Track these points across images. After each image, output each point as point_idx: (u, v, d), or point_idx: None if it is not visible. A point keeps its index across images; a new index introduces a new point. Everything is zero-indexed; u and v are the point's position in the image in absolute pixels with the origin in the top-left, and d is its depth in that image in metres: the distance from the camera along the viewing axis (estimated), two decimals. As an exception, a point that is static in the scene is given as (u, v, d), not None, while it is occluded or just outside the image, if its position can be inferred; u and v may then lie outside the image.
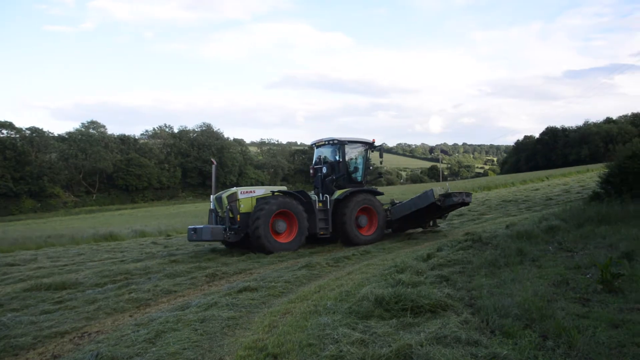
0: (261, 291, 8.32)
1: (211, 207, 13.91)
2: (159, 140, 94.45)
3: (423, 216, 16.13)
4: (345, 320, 5.96)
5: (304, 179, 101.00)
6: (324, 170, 15.03)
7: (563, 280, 6.78)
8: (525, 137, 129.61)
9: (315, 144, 15.74)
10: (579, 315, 5.30)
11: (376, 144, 15.72)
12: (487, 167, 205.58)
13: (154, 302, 8.29)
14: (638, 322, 4.91)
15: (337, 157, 15.18)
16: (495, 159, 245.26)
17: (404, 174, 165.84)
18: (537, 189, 35.05)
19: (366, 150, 15.75)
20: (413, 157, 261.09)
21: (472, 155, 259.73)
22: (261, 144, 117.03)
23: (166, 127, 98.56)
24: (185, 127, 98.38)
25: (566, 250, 9.08)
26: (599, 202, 14.46)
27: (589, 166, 63.56)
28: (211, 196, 14.08)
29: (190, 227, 13.63)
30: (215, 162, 14.38)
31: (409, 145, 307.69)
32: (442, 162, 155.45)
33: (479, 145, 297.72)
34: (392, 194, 40.61)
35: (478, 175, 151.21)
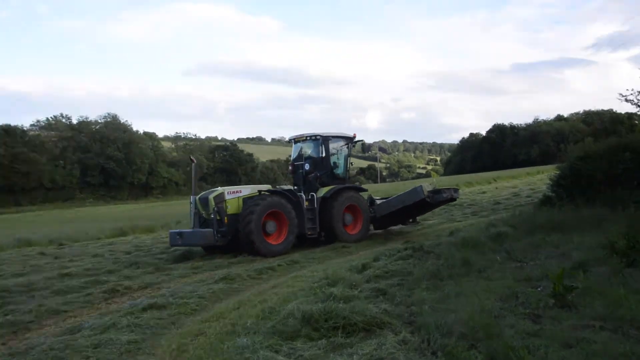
0: (170, 309, 8.08)
1: (192, 208, 14.51)
2: (53, 133, 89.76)
3: (409, 213, 17.58)
4: (268, 342, 5.82)
5: (226, 179, 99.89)
6: (307, 166, 16.15)
7: (512, 294, 6.89)
8: (471, 134, 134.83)
9: (294, 139, 16.96)
10: (529, 334, 5.36)
11: (355, 138, 17.04)
12: (429, 167, 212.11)
13: (36, 326, 7.84)
14: (593, 341, 5.01)
15: (320, 153, 16.33)
16: (438, 158, 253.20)
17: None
18: (483, 192, 36.34)
19: (347, 146, 17.04)
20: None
21: (413, 154, 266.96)
22: (176, 138, 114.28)
23: (63, 117, 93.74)
24: (86, 118, 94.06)
25: (515, 260, 9.30)
26: (550, 207, 15.06)
27: (540, 167, 66.79)
28: (192, 197, 14.67)
29: (173, 231, 14.49)
30: (195, 161, 15.45)
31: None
32: (380, 162, 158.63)
33: (420, 143, 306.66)
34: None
35: (420, 176, 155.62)
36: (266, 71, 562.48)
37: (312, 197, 15.48)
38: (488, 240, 11.07)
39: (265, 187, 15.16)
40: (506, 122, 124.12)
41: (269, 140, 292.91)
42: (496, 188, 40.16)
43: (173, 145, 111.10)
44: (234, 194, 14.52)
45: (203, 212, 14.41)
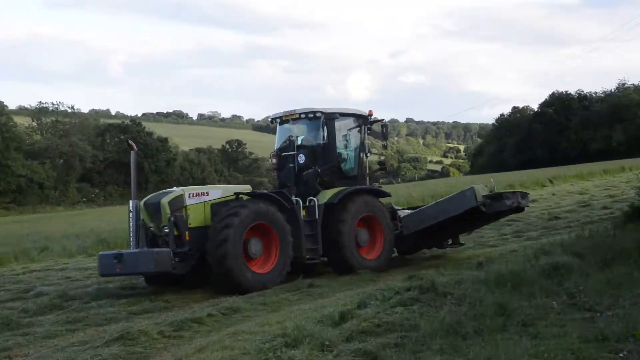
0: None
1: (132, 218, 14.88)
2: None
3: (453, 228, 18.40)
4: None
5: (123, 179, 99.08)
6: (301, 159, 16.76)
7: (577, 362, 6.85)
8: (515, 110, 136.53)
9: (279, 117, 17.77)
10: None
11: (372, 117, 18.01)
12: (447, 160, 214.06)
13: None
14: None
15: (322, 139, 17.03)
16: (462, 147, 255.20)
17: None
18: (533, 200, 36.48)
19: (360, 128, 17.91)
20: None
21: (422, 140, 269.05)
22: (39, 111, 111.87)
23: None
24: None
25: (583, 307, 9.30)
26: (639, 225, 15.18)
27: (626, 161, 67.60)
28: (131, 202, 15.06)
29: (106, 252, 14.96)
30: (134, 147, 16.04)
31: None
32: (370, 152, 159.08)
33: (434, 124, 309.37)
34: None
35: (431, 174, 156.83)
36: (189, 5, 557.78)
37: (313, 204, 16.08)
38: (539, 277, 11.07)
39: (244, 187, 16.10)
40: (572, 90, 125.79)
41: (195, 118, 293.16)
42: (553, 195, 40.54)
43: (35, 124, 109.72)
44: (198, 198, 15.09)
45: (151, 225, 15.01)
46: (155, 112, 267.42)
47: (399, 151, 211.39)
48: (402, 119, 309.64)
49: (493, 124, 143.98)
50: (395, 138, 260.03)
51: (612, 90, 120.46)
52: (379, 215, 16.99)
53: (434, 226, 17.50)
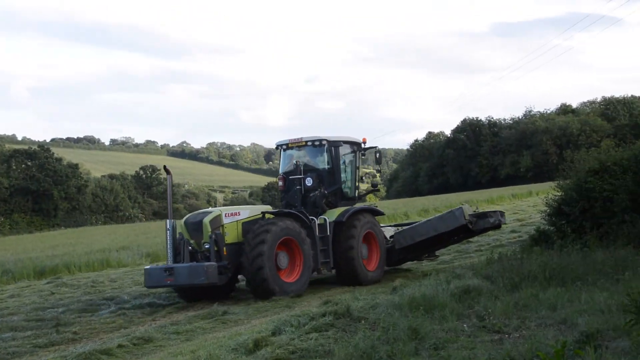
0: None
1: (169, 236, 16.64)
2: None
3: (438, 243, 20.66)
4: None
5: (32, 207, 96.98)
6: (309, 181, 18.62)
7: (486, 384, 6.96)
8: (429, 135, 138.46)
9: (284, 144, 19.64)
10: None
11: (365, 144, 20.14)
12: (364, 185, 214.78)
13: None
14: None
15: (328, 165, 19.12)
16: (377, 173, 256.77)
17: (220, 196, 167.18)
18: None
19: (355, 154, 20.00)
20: (237, 167, 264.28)
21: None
22: None
23: None
24: None
25: (492, 330, 9.50)
26: (546, 248, 15.58)
27: (533, 186, 69.17)
28: (168, 221, 16.77)
29: (156, 266, 16.91)
30: (170, 172, 17.58)
31: (231, 148, 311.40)
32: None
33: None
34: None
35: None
36: (102, 29, 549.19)
37: (324, 222, 18.02)
38: (450, 300, 11.28)
39: (266, 207, 18.09)
40: (482, 117, 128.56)
41: (107, 143, 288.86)
42: (466, 218, 41.12)
43: None
44: (232, 217, 16.96)
45: (192, 241, 16.67)
46: (65, 137, 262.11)
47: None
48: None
49: (408, 150, 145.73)
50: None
51: (520, 117, 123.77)
52: (377, 232, 18.89)
53: (422, 242, 19.56)
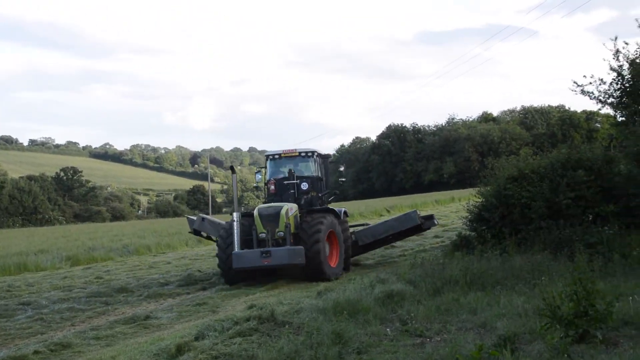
0: None
1: (236, 227, 19.02)
2: None
3: (391, 239, 24.17)
4: None
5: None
6: (304, 186, 21.50)
7: (406, 387, 7.07)
8: (355, 141, 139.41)
9: (277, 154, 22.71)
10: None
11: (330, 157, 24.02)
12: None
13: None
14: None
15: (318, 173, 22.52)
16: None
17: (144, 199, 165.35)
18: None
19: (325, 165, 23.10)
20: (161, 170, 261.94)
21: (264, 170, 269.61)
22: None
23: None
24: None
25: (414, 334, 9.67)
26: (467, 253, 15.86)
27: (455, 192, 70.17)
28: (235, 214, 19.22)
29: (252, 250, 18.79)
30: (235, 171, 21.20)
31: (155, 150, 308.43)
32: (213, 181, 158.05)
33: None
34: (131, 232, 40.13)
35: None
36: (17, 26, 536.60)
37: None
38: (374, 305, 11.42)
39: (295, 206, 20.39)
40: (407, 123, 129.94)
41: (25, 144, 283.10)
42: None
43: None
44: (291, 212, 19.66)
45: (264, 231, 19.18)
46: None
47: (242, 180, 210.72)
48: (245, 148, 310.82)
49: (334, 155, 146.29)
50: (239, 167, 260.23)
51: (443, 124, 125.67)
52: (337, 231, 20.64)
53: (379, 240, 23.09)
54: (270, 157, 22.80)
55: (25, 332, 14.16)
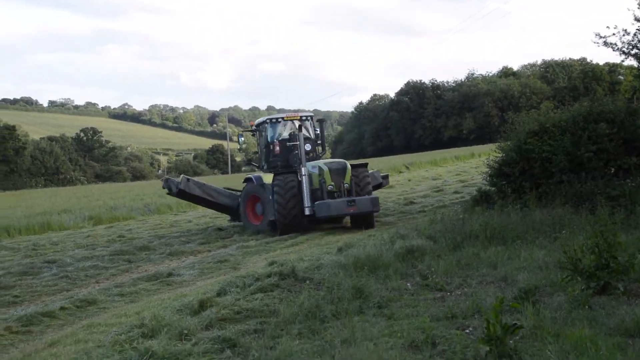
0: None
1: (305, 181, 20.69)
2: None
3: None
4: None
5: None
6: (308, 147, 23.02)
7: (427, 340, 7.16)
8: (373, 98, 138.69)
9: (280, 118, 24.59)
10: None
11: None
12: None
13: None
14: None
15: (315, 134, 24.31)
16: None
17: (164, 159, 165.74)
18: (390, 187, 37.31)
19: (320, 127, 24.72)
20: (180, 129, 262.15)
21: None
22: None
23: None
24: None
25: (435, 288, 9.72)
26: (487, 208, 15.85)
27: (475, 148, 69.81)
28: (303, 168, 20.78)
29: (339, 200, 20.41)
30: (301, 129, 22.09)
31: (173, 110, 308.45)
32: (231, 140, 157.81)
33: (295, 112, 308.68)
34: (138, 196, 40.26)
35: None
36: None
37: None
38: (394, 260, 11.45)
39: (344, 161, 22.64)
40: (426, 79, 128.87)
41: (45, 105, 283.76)
42: (409, 180, 41.83)
43: None
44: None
45: (332, 184, 21.07)
46: (0, 98, 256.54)
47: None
48: (263, 107, 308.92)
49: (352, 112, 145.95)
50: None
51: (462, 80, 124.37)
52: None
53: None
54: (270, 120, 24.51)
55: (51, 289, 14.32)
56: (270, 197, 21.75)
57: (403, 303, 8.95)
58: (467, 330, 7.45)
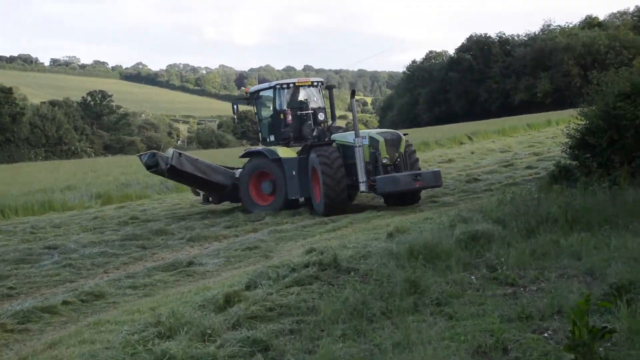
0: None
1: (360, 153, 21.31)
2: None
3: None
4: None
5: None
6: (321, 116, 24.87)
7: (496, 345, 7.02)
8: (429, 55, 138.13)
9: (291, 83, 25.52)
10: None
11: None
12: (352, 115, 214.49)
13: None
14: None
15: (322, 103, 25.88)
16: (369, 99, 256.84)
17: (184, 127, 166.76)
18: (449, 160, 37.50)
19: (330, 94, 26.42)
20: (203, 93, 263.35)
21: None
22: None
23: None
24: None
25: (505, 282, 9.55)
26: (568, 187, 15.59)
27: (552, 114, 69.31)
28: (359, 139, 21.43)
29: (405, 173, 21.20)
30: (355, 95, 23.21)
31: (195, 70, 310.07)
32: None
33: (335, 72, 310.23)
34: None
35: (334, 131, 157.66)
36: None
37: None
38: (455, 248, 11.28)
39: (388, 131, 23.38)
40: (492, 33, 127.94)
41: (47, 64, 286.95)
42: (472, 153, 41.65)
43: None
44: None
45: (387, 156, 21.55)
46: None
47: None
48: (299, 67, 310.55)
49: (404, 73, 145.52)
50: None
51: (537, 33, 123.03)
52: None
53: None
54: (281, 86, 25.38)
55: (52, 280, 14.47)
56: (293, 173, 22.82)
57: (467, 300, 8.80)
58: (546, 334, 7.27)
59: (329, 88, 26.17)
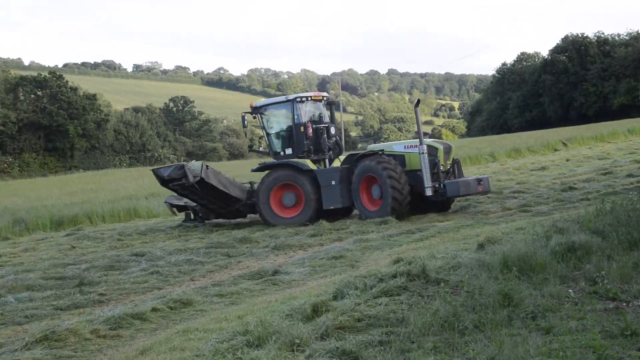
0: None
1: (424, 159, 22.85)
2: None
3: None
4: None
5: (43, 146, 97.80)
6: (333, 130, 26.62)
7: (598, 364, 6.95)
8: (520, 57, 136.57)
9: (309, 97, 27.11)
10: None
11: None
12: (439, 120, 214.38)
13: None
14: None
15: (331, 118, 27.56)
16: (456, 104, 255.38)
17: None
18: (542, 168, 36.87)
19: (331, 109, 28.17)
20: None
21: (407, 97, 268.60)
22: None
23: None
24: None
25: (606, 296, 9.39)
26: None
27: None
28: (420, 146, 23.08)
29: (469, 178, 23.94)
30: (418, 104, 24.61)
31: (277, 75, 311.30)
32: (346, 111, 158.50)
33: (421, 76, 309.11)
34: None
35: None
36: None
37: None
38: (551, 260, 11.14)
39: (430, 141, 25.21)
40: (590, 32, 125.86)
41: (129, 70, 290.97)
42: (567, 160, 40.89)
43: None
44: None
45: (443, 164, 23.59)
46: (80, 62, 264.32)
47: (380, 110, 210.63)
48: (383, 71, 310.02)
49: (493, 76, 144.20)
50: (376, 93, 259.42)
51: (639, 33, 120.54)
52: None
53: None
54: (300, 99, 26.54)
55: (140, 287, 14.82)
56: (333, 183, 24.25)
57: (564, 314, 8.69)
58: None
59: (330, 104, 27.93)
